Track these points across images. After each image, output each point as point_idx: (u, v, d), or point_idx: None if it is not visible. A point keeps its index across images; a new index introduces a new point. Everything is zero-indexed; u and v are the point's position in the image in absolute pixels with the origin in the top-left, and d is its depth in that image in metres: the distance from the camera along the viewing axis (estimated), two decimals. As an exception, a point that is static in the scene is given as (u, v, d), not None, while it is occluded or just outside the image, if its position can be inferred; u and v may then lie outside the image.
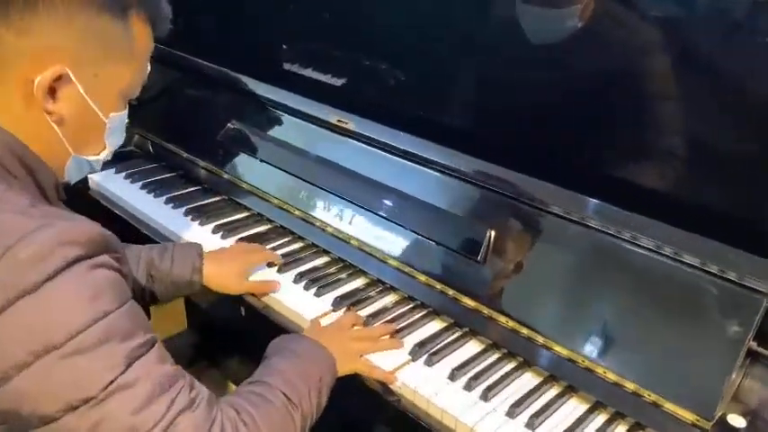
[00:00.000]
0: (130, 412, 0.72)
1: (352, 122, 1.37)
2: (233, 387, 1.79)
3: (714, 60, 0.99)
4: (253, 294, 1.27)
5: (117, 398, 0.71)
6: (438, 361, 1.09)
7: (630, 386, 0.98)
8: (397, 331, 1.15)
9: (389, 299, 1.26)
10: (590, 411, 1.01)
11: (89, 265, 0.74)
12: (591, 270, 1.07)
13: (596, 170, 1.11)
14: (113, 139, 0.92)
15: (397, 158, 1.32)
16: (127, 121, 0.93)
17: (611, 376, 1.00)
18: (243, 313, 1.28)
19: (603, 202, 1.07)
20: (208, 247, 1.29)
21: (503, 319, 1.12)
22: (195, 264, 1.23)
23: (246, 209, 1.55)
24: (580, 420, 0.99)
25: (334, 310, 1.21)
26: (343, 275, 1.32)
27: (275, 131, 1.56)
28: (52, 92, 0.81)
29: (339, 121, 1.39)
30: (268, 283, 1.27)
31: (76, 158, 0.89)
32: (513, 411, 0.99)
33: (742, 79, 0.96)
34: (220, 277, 1.25)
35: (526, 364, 1.10)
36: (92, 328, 0.71)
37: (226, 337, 2.08)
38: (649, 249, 1.01)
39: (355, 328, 1.16)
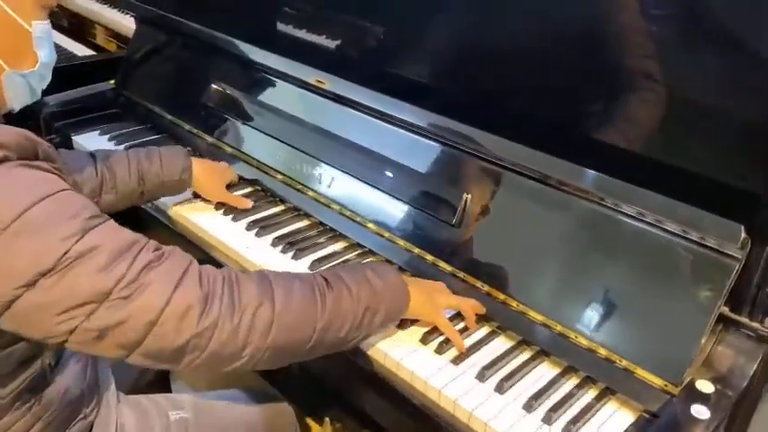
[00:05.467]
0: (91, 276, 0.73)
1: (329, 82, 1.34)
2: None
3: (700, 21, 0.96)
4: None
5: (76, 266, 0.73)
6: (409, 326, 1.09)
7: (603, 352, 0.97)
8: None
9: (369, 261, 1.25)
10: (561, 375, 1.00)
11: (21, 164, 0.75)
12: (563, 235, 1.06)
13: (572, 133, 1.09)
14: (43, 51, 0.92)
15: (379, 121, 1.30)
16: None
17: (583, 341, 0.99)
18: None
19: (577, 165, 1.05)
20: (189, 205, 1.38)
21: (478, 284, 1.11)
22: (184, 163, 1.32)
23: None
24: (551, 384, 0.98)
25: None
26: (323, 239, 1.31)
27: (258, 94, 1.54)
28: None
29: (317, 81, 1.36)
30: (243, 199, 1.39)
31: (11, 75, 0.88)
32: (482, 374, 0.99)
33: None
34: (207, 179, 1.36)
35: (500, 330, 1.09)
36: (35, 207, 0.72)
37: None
38: (622, 213, 1.00)
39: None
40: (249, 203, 1.38)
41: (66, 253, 0.72)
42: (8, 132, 0.75)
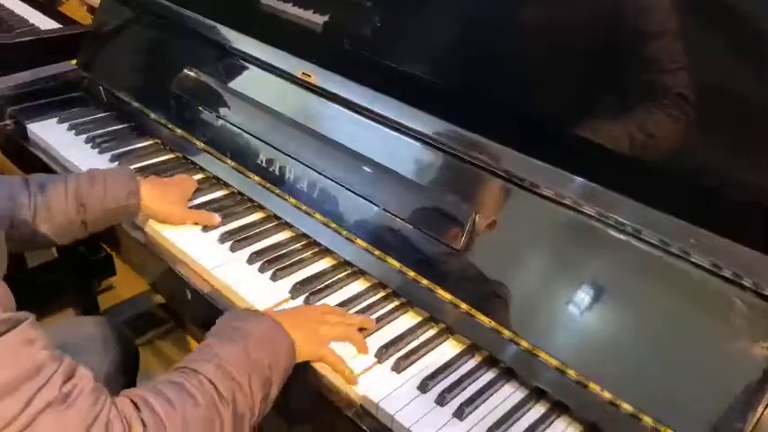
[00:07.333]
0: None
1: (319, 77, 1.17)
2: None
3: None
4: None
5: None
6: (408, 366, 0.94)
7: (628, 407, 0.83)
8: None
9: (358, 284, 1.10)
10: (581, 436, 0.86)
11: None
12: (589, 270, 0.90)
13: (610, 155, 0.93)
14: None
15: (375, 123, 1.14)
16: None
17: (607, 394, 0.85)
18: (189, 297, 1.11)
19: (606, 189, 0.89)
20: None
21: (482, 317, 0.96)
22: (131, 186, 1.13)
23: (202, 170, 1.36)
24: (570, 447, 0.84)
25: (292, 298, 1.05)
26: (306, 255, 1.15)
27: (238, 84, 1.36)
28: None
29: (304, 74, 1.19)
30: (211, 215, 1.19)
31: None
32: (491, 435, 0.84)
33: None
34: (159, 204, 1.16)
35: (508, 374, 0.94)
36: None
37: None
38: (664, 249, 0.84)
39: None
40: (218, 219, 1.19)
41: None
42: None
